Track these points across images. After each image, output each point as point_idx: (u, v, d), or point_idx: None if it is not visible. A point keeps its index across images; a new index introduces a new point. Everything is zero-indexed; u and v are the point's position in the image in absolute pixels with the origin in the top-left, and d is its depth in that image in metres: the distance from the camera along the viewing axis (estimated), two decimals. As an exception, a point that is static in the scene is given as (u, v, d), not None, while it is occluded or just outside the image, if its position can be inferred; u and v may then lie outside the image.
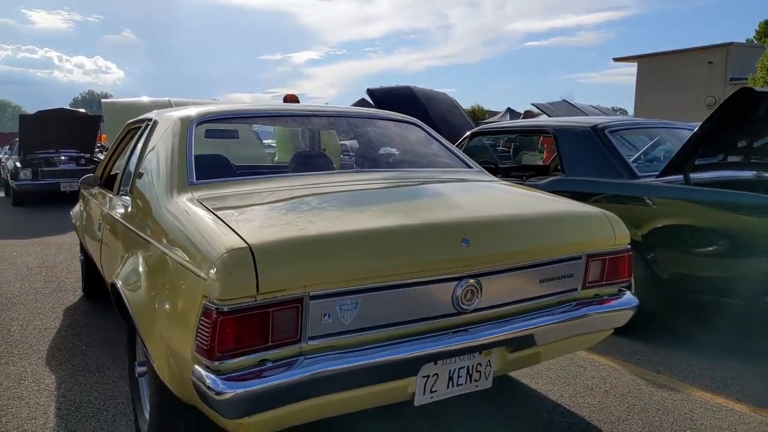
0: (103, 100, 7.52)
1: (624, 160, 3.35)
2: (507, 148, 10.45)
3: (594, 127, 3.48)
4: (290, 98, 5.90)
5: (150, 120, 2.45)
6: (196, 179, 1.86)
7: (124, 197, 2.35)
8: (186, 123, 2.08)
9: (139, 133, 2.61)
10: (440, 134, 2.77)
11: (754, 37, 28.37)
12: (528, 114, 13.03)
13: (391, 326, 1.47)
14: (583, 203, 2.05)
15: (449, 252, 1.53)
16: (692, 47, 24.95)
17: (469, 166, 2.48)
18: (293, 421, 1.46)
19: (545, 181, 3.54)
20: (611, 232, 1.86)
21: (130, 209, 2.16)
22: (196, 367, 1.29)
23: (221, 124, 2.84)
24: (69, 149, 10.74)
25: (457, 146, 4.26)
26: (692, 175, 3.09)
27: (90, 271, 3.64)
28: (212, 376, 1.24)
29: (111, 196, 2.65)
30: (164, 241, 1.64)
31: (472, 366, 1.63)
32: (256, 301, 1.26)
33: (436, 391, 1.59)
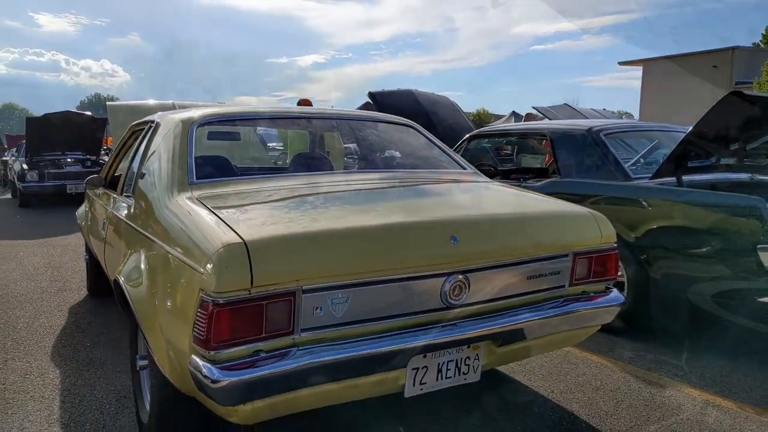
0: (108, 102, 7.63)
1: (618, 162, 3.40)
2: (510, 151, 10.51)
3: (589, 130, 3.53)
4: (304, 102, 6.13)
5: (153, 122, 2.53)
6: (196, 179, 1.93)
7: (127, 197, 2.43)
8: (187, 125, 2.16)
9: (142, 134, 2.69)
10: (441, 137, 2.84)
11: (761, 41, 28.31)
12: (529, 117, 13.08)
13: (381, 320, 1.53)
14: (570, 203, 2.10)
15: (438, 249, 1.59)
16: (697, 51, 24.93)
17: (463, 168, 2.54)
18: (286, 410, 1.52)
19: (541, 183, 3.60)
20: (597, 231, 1.91)
21: (132, 208, 2.24)
22: (194, 357, 1.35)
23: (222, 126, 2.92)
24: (75, 152, 10.88)
25: (456, 148, 4.32)
26: (685, 177, 3.14)
27: (94, 270, 3.72)
28: (208, 365, 1.31)
29: (115, 196, 2.72)
30: (164, 238, 1.71)
31: (461, 359, 1.69)
32: (250, 294, 1.32)
33: (425, 383, 1.65)
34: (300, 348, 1.41)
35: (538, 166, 6.51)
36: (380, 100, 6.67)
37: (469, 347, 1.69)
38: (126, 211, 2.32)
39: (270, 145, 7.35)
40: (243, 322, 1.33)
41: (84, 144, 10.93)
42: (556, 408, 2.24)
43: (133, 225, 2.10)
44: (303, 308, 1.40)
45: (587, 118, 8.89)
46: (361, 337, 1.49)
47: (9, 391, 2.44)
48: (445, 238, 1.60)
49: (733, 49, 23.77)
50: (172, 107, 5.26)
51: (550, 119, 9.01)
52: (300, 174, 2.35)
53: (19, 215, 9.44)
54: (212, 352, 1.31)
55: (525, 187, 3.30)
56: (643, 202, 3.08)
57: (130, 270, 1.93)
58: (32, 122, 10.63)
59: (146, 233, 1.89)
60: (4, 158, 15.13)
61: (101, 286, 3.71)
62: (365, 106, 10.49)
